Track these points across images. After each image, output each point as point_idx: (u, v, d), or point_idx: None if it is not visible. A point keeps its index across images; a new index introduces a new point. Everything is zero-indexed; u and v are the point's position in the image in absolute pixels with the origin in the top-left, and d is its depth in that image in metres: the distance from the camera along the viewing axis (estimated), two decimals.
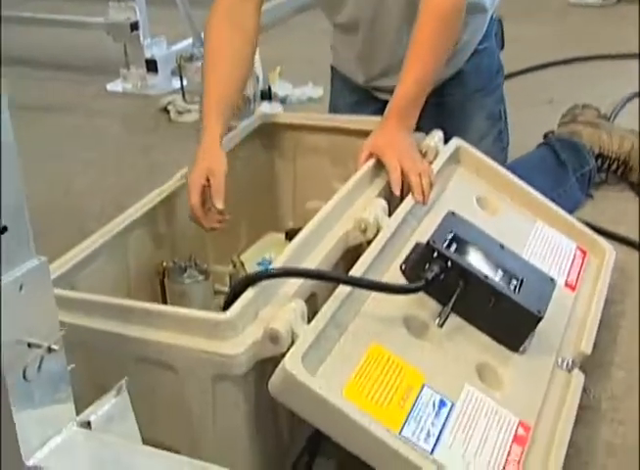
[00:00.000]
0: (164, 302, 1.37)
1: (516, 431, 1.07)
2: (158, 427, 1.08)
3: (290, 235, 1.51)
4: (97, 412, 0.91)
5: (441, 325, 1.12)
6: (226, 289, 1.31)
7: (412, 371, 1.07)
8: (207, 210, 1.33)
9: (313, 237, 1.19)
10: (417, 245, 1.26)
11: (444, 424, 1.03)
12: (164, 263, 1.36)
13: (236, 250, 1.51)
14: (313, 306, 1.11)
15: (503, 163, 1.59)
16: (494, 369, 1.14)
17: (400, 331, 1.12)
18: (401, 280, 1.20)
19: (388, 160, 1.35)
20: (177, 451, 1.09)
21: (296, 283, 1.10)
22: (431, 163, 1.45)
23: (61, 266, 1.18)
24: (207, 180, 1.32)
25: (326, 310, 1.05)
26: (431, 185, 1.35)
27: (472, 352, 1.15)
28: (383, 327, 1.11)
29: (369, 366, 1.04)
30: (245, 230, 1.62)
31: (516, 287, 1.18)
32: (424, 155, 1.46)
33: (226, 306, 1.03)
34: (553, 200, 1.53)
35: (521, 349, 1.18)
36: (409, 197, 1.33)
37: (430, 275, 1.13)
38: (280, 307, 1.03)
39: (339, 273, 1.13)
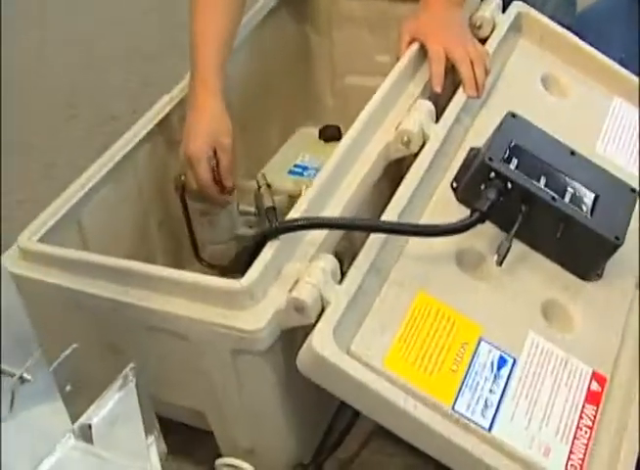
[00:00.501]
0: (188, 219, 1.23)
1: (589, 385, 0.92)
2: (177, 391, 0.98)
3: (324, 134, 1.31)
4: (99, 413, 0.79)
5: (500, 263, 0.95)
6: (252, 209, 1.14)
7: (466, 322, 0.92)
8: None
9: (347, 157, 1.00)
10: (470, 152, 1.07)
11: (505, 389, 0.88)
12: (183, 177, 1.19)
13: (266, 153, 1.33)
14: (349, 247, 0.95)
15: (572, 26, 1.34)
16: (563, 306, 0.98)
17: (451, 270, 0.96)
18: (452, 201, 1.03)
19: (431, 47, 1.12)
20: (202, 414, 1.00)
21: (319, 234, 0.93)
22: (486, 39, 1.22)
23: (65, 202, 1.04)
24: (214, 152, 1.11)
25: (361, 263, 0.89)
26: (487, 72, 1.13)
27: (537, 286, 0.98)
28: (430, 267, 0.94)
29: (415, 323, 0.89)
30: (276, 125, 1.43)
31: (589, 207, 0.99)
32: (478, 28, 1.23)
33: (240, 264, 0.88)
34: None
35: (594, 277, 1.01)
36: (459, 93, 1.11)
37: (485, 204, 0.95)
38: (306, 263, 0.88)
39: (374, 221, 0.94)
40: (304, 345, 0.83)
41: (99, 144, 1.21)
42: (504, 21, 1.24)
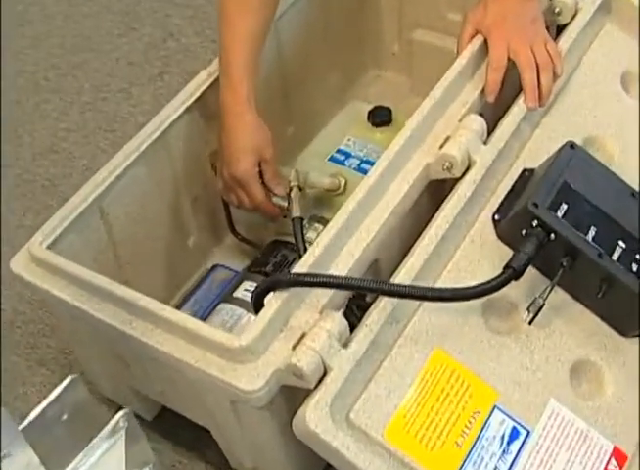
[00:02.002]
0: (227, 207, 1.17)
1: (606, 465, 0.87)
2: (184, 405, 0.97)
3: (373, 117, 1.20)
4: (86, 462, 0.78)
5: (531, 322, 0.88)
6: (285, 204, 1.07)
7: (482, 387, 0.86)
8: None
9: (379, 182, 0.92)
10: (522, 175, 0.97)
11: (512, 466, 0.83)
12: None
13: (315, 127, 1.23)
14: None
15: None
16: (596, 367, 0.91)
17: (475, 322, 0.89)
18: (493, 233, 0.94)
19: (493, 47, 1.00)
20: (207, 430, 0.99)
21: (345, 263, 0.87)
22: (565, 26, 1.08)
23: (92, 190, 1.00)
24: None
25: (376, 317, 0.83)
26: (555, 78, 1.01)
27: (570, 343, 0.91)
28: (453, 319, 0.88)
29: (425, 386, 0.84)
30: (335, 75, 1.33)
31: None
32: (557, 14, 1.09)
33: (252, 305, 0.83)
34: None
35: (636, 333, 0.93)
36: (518, 103, 1.00)
37: (521, 261, 0.86)
38: (315, 316, 0.82)
39: (384, 283, 0.84)
40: (299, 412, 0.79)
41: None
42: (588, 5, 1.10)
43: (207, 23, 1.68)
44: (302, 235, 1.00)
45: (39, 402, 0.69)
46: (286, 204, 1.07)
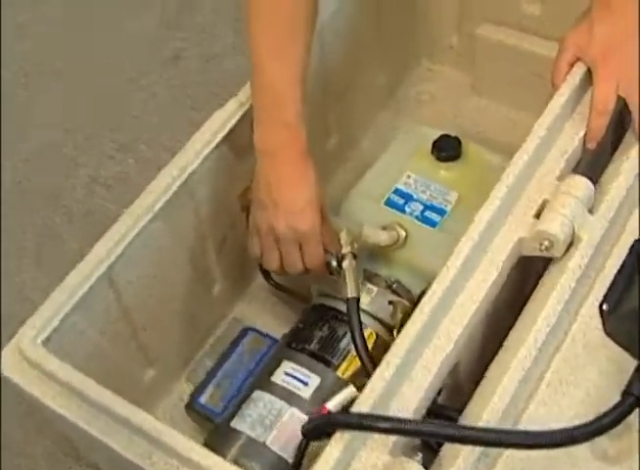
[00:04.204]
0: None
1: None
2: None
3: (438, 148, 0.98)
4: None
5: None
6: (334, 263, 0.88)
7: None
8: None
9: (466, 265, 0.73)
10: (632, 251, 0.78)
11: None
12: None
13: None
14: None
15: None
16: None
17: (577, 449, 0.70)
18: (598, 329, 0.75)
19: (601, 82, 0.79)
20: None
21: (421, 381, 0.68)
22: None
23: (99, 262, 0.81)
24: None
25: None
26: None
27: None
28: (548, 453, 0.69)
29: None
30: (385, 72, 1.15)
31: None
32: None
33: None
34: None
35: None
36: (631, 157, 0.79)
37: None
38: (385, 457, 0.64)
39: (472, 429, 0.64)
40: None
41: None
42: None
43: None
44: (359, 319, 0.81)
45: None
46: (334, 262, 0.88)
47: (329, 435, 0.68)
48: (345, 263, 0.84)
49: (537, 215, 0.77)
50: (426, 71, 1.26)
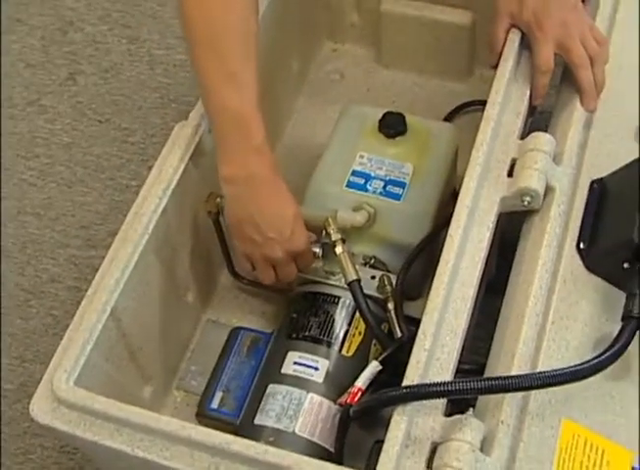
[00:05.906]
0: (222, 240, 1.01)
1: None
2: None
3: (387, 126, 1.00)
4: None
5: None
6: (317, 249, 0.92)
7: (616, 450, 0.76)
8: None
9: (465, 231, 0.79)
10: (593, 188, 0.86)
11: None
12: (218, 199, 0.95)
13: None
14: None
15: None
16: None
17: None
18: (580, 267, 0.83)
19: (539, 45, 0.86)
20: None
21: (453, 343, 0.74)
22: None
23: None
24: None
25: (506, 419, 0.71)
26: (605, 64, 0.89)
27: None
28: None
29: (565, 465, 0.74)
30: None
31: None
32: None
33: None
34: None
35: None
36: (577, 108, 0.87)
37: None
38: (440, 425, 0.70)
39: (510, 378, 0.71)
40: None
41: None
42: None
43: (111, 3, 1.42)
44: (365, 298, 0.85)
45: None
46: (317, 249, 0.92)
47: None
48: (339, 250, 0.88)
49: (509, 174, 0.84)
50: (330, 52, 1.30)
